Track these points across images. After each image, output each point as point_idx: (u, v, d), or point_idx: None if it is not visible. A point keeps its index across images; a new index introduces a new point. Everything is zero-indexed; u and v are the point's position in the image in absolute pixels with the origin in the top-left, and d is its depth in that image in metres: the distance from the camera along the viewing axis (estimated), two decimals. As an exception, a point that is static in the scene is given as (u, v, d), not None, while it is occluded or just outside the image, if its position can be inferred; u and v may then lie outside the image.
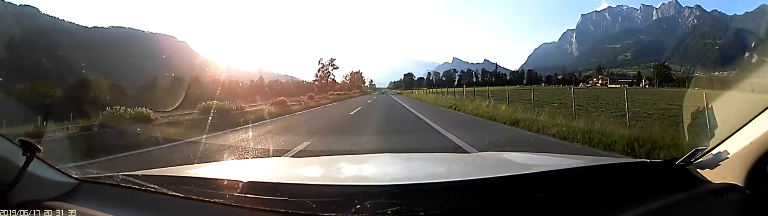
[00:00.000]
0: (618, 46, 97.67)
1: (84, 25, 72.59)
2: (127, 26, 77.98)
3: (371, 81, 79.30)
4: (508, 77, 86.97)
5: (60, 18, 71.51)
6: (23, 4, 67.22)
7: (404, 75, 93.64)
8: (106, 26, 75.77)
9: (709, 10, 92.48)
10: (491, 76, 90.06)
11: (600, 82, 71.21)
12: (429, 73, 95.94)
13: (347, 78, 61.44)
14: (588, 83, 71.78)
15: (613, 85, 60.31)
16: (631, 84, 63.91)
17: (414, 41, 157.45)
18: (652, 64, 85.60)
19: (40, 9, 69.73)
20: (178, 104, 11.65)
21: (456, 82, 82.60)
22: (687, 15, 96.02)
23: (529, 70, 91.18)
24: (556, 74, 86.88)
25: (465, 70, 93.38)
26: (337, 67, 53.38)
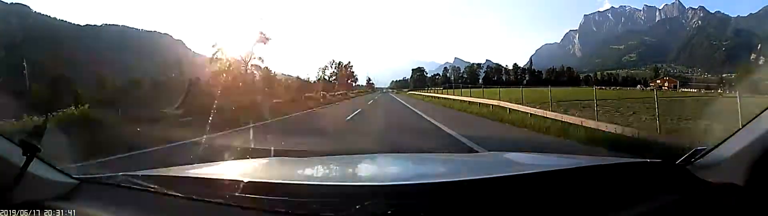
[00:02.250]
0: (622, 47, 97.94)
1: (76, 23, 72.66)
2: (120, 24, 78.00)
3: (369, 79, 67.63)
4: (544, 76, 75.13)
5: (52, 16, 71.62)
6: (14, 2, 67.29)
7: (413, 70, 75.72)
8: (99, 24, 75.81)
9: (712, 12, 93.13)
10: (523, 74, 76.24)
11: (665, 84, 55.54)
12: (445, 68, 78.41)
13: (325, 72, 43.91)
14: (648, 86, 55.56)
15: (689, 90, 47.35)
16: (708, 88, 49.86)
17: (414, 41, 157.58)
18: (659, 65, 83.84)
19: (31, 7, 69.87)
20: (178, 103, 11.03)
21: (481, 81, 69.72)
22: (691, 16, 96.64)
23: (569, 68, 78.52)
24: (596, 74, 76.32)
25: (493, 66, 78.35)
26: (268, 38, 24.58)
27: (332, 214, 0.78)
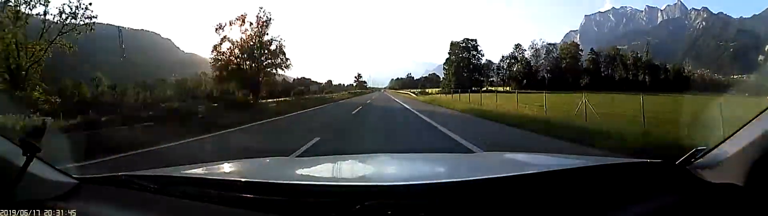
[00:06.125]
0: (625, 47, 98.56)
1: (56, 20, 71.89)
2: (105, 22, 77.36)
3: (359, 75, 57.64)
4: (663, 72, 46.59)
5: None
6: (-4, 1, 66.65)
7: (451, 46, 42.11)
8: (82, 23, 75.02)
9: (715, 12, 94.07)
10: (644, 70, 44.87)
11: None
12: (517, 45, 45.35)
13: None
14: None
15: None
16: None
17: (412, 41, 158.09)
18: (669, 65, 79.83)
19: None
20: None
21: (589, 78, 41.73)
22: (694, 17, 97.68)
23: (681, 67, 50.05)
24: (692, 74, 50.54)
25: (603, 53, 46.75)
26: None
27: (332, 214, 0.79)
